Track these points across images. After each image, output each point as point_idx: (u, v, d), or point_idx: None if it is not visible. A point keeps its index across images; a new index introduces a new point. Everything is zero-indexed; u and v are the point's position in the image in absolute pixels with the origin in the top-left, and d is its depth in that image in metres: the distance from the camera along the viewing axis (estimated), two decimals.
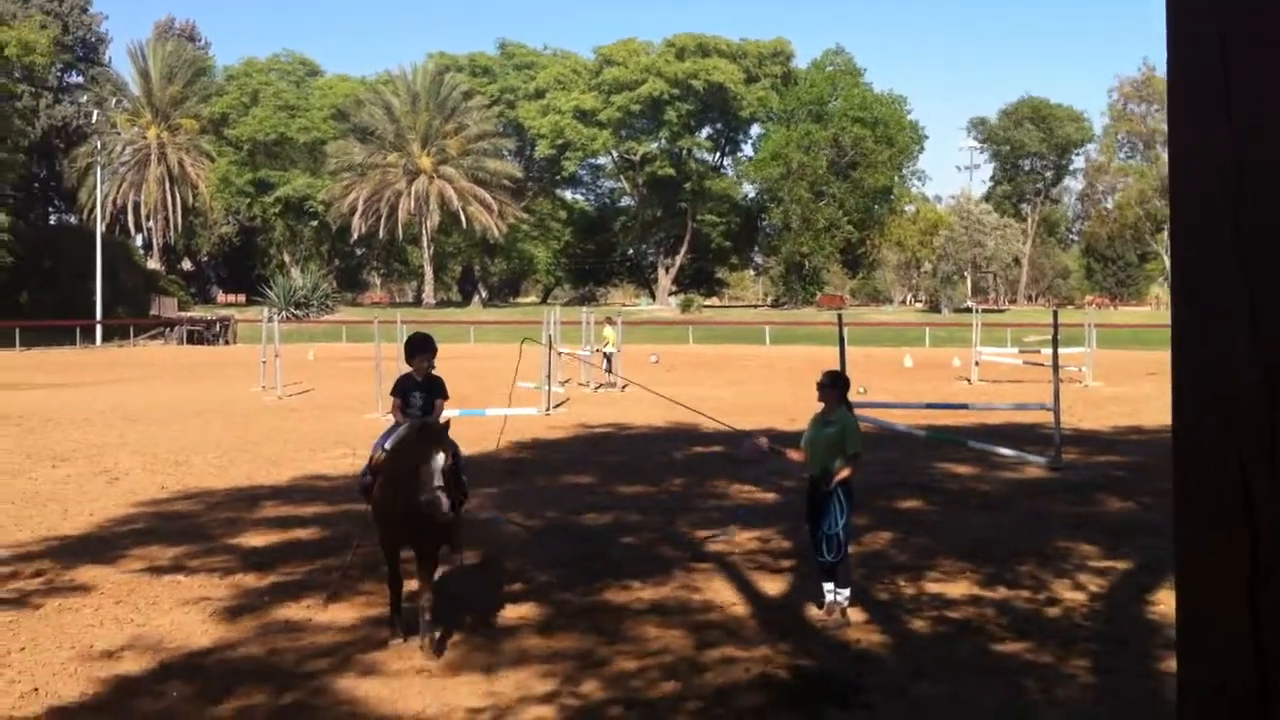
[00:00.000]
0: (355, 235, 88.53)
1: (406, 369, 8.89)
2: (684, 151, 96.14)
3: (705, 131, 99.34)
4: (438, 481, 7.37)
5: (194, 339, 64.80)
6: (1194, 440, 1.69)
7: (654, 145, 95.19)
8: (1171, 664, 7.42)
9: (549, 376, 25.10)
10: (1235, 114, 1.59)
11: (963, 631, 8.28)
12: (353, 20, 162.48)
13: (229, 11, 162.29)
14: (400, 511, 7.74)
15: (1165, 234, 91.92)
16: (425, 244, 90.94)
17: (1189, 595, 1.74)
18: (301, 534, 11.82)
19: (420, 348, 8.68)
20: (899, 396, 26.10)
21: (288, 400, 27.37)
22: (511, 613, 8.80)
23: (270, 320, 32.77)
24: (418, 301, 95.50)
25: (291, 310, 74.15)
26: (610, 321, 34.55)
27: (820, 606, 8.77)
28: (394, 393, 8.61)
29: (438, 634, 7.89)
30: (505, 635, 8.19)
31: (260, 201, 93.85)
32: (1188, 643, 1.74)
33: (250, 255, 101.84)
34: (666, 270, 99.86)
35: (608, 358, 31.98)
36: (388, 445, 8.24)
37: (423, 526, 7.72)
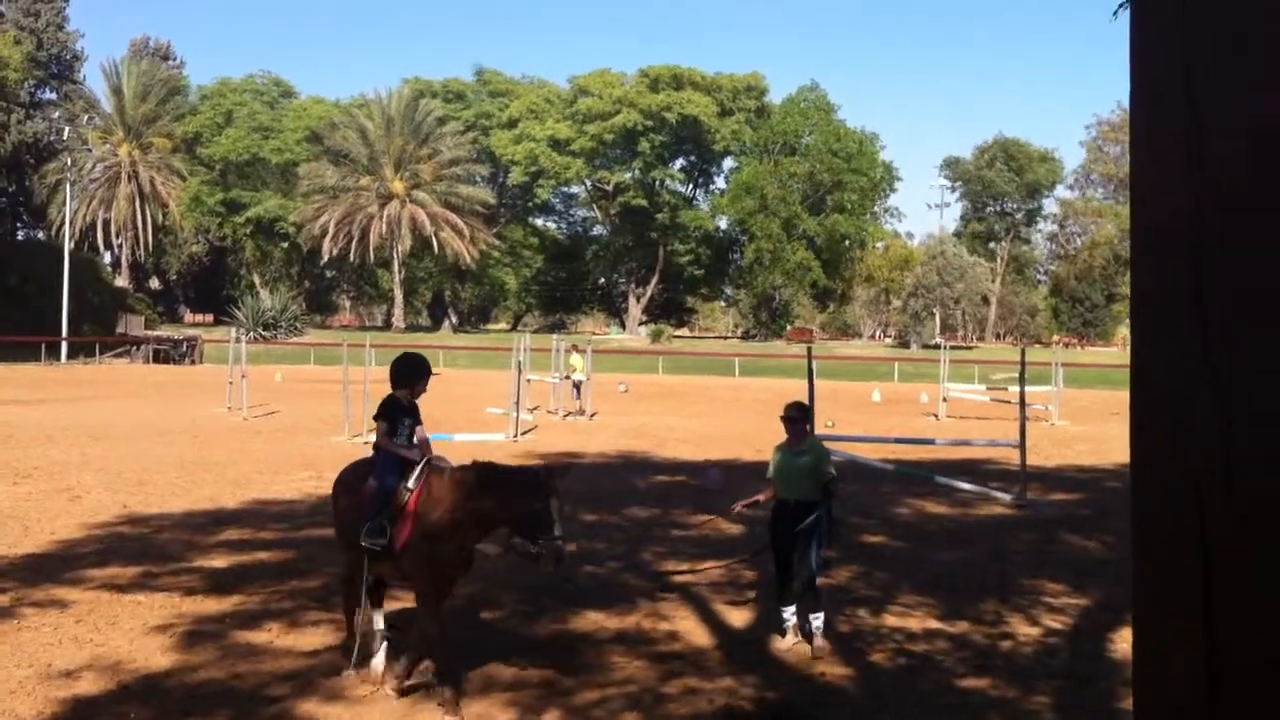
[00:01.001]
0: (326, 257, 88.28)
1: (393, 391, 7.96)
2: (656, 182, 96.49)
3: (679, 163, 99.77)
4: (558, 529, 6.94)
5: (160, 358, 64.24)
6: (1150, 470, 1.73)
7: (627, 175, 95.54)
8: (1131, 703, 7.47)
9: (517, 403, 25.09)
10: (1196, 154, 1.64)
11: (925, 666, 8.32)
12: (330, 43, 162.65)
13: (205, 31, 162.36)
14: (460, 555, 7.26)
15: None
16: (396, 268, 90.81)
17: (1146, 623, 1.77)
18: (264, 556, 11.73)
19: (419, 372, 8.03)
20: (867, 431, 26.19)
21: (253, 421, 27.20)
22: (474, 640, 8.75)
23: (238, 341, 32.59)
24: (387, 325, 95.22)
25: (259, 331, 73.72)
26: (578, 349, 34.54)
27: (782, 635, 8.82)
28: (381, 416, 7.68)
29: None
30: (469, 662, 8.15)
31: (231, 222, 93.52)
32: (1144, 669, 1.77)
33: (219, 275, 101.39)
34: (637, 300, 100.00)
35: (576, 386, 31.97)
36: (409, 483, 7.34)
37: (466, 571, 7.49)
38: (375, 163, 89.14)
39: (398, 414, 7.71)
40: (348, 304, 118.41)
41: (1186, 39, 1.65)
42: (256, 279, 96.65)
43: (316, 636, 8.75)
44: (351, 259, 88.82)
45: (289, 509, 14.89)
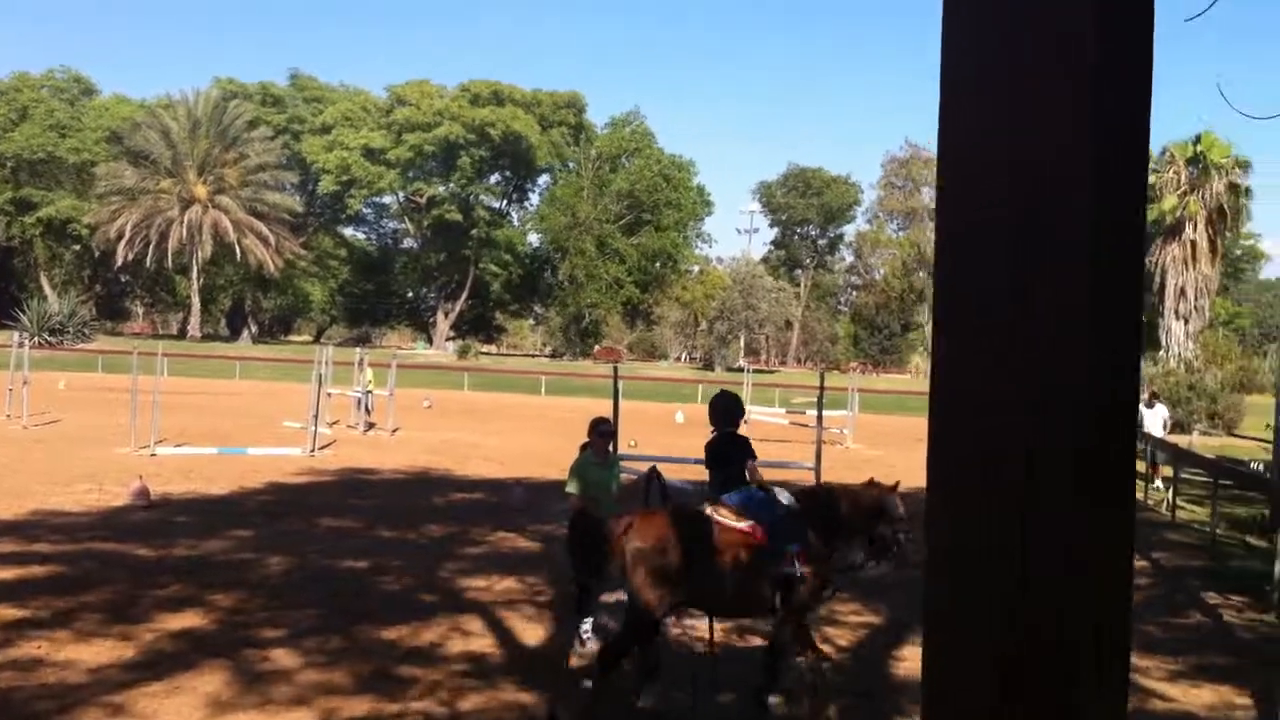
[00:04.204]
0: (120, 262, 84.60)
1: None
2: (472, 197, 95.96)
3: (494, 178, 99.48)
4: None
5: None
6: (949, 478, 1.76)
7: (443, 189, 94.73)
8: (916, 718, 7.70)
9: (316, 417, 24.49)
10: (998, 163, 1.67)
11: (724, 682, 8.41)
12: (141, 41, 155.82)
13: (5, 24, 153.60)
14: None
15: (926, 306, 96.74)
16: (195, 275, 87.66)
17: (935, 638, 1.79)
18: (39, 570, 11.14)
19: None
20: (669, 451, 26.43)
21: (34, 430, 25.82)
22: (268, 656, 8.49)
23: (20, 346, 30.91)
24: (182, 334, 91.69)
25: (44, 337, 70.10)
26: (367, 363, 33.82)
27: (582, 645, 8.86)
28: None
29: None
30: (264, 679, 7.90)
31: (20, 221, 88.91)
32: (932, 685, 1.80)
33: (5, 277, 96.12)
34: (445, 315, 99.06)
35: (360, 399, 31.25)
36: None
37: None
38: (178, 165, 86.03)
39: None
40: (141, 311, 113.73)
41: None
42: (45, 282, 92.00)
43: (91, 651, 8.36)
44: (148, 264, 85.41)
45: (69, 521, 14.20)
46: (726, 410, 8.54)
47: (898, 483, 8.29)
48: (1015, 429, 1.65)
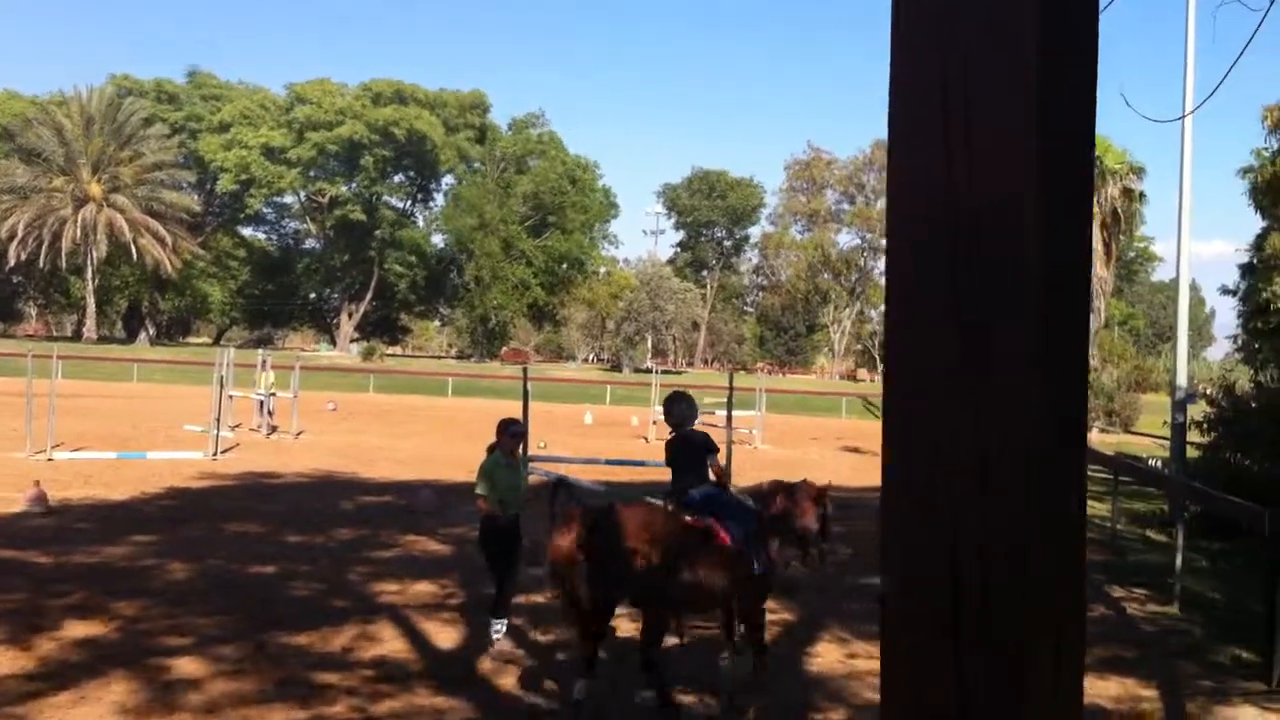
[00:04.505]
0: (12, 262, 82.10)
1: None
2: (375, 197, 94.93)
3: (398, 178, 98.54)
4: None
5: None
6: (903, 485, 1.78)
7: (345, 189, 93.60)
8: (830, 714, 7.80)
9: (218, 420, 24.06)
10: (955, 152, 1.69)
11: (632, 681, 8.43)
12: (33, 36, 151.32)
13: None
14: None
15: (831, 307, 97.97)
16: (90, 275, 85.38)
17: (891, 639, 1.81)
18: None
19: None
20: (578, 452, 26.45)
21: None
22: (176, 665, 8.31)
23: None
24: (77, 336, 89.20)
25: None
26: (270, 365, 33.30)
27: (492, 647, 8.88)
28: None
29: None
30: (173, 688, 7.74)
31: None
32: (891, 692, 1.81)
33: None
34: (349, 316, 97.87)
35: (261, 402, 30.72)
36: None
37: None
38: (71, 163, 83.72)
39: None
40: (35, 312, 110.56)
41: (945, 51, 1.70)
42: None
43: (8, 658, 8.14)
44: (41, 264, 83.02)
45: None
46: (681, 410, 8.58)
47: (829, 483, 8.67)
48: (967, 437, 1.67)
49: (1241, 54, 6.39)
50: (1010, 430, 1.64)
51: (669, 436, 8.61)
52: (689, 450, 8.32)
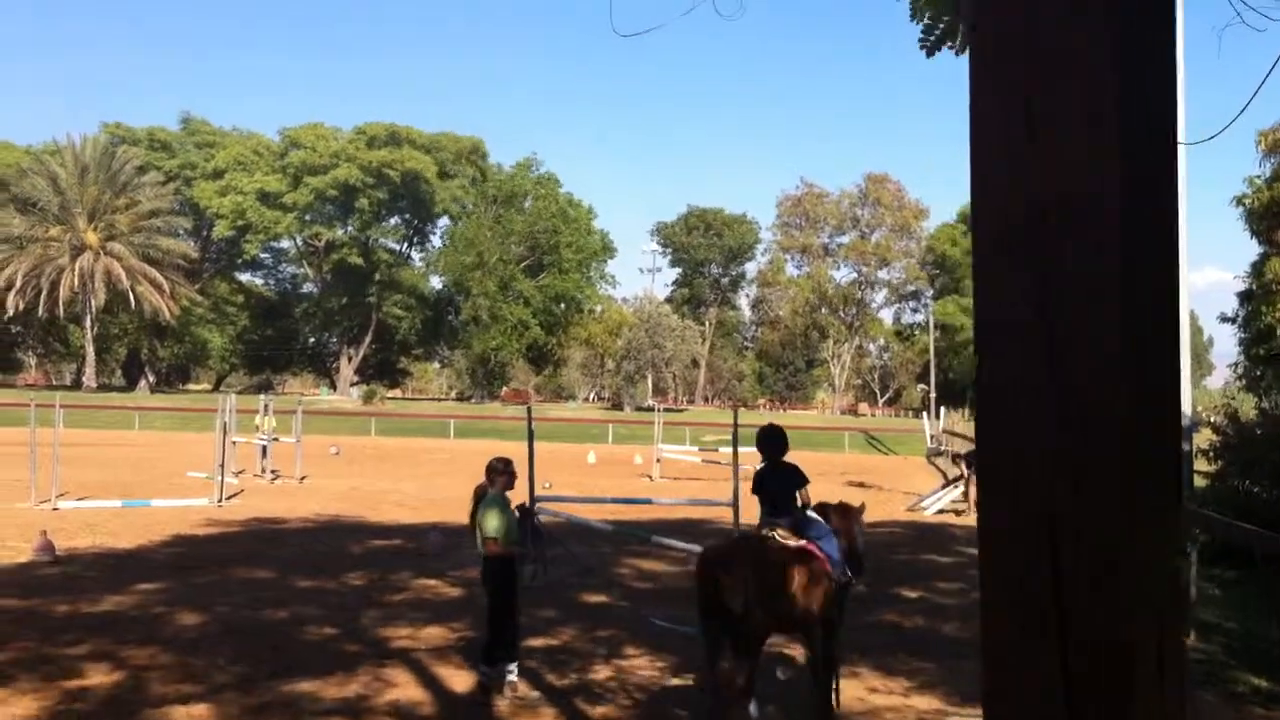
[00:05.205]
0: (10, 312, 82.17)
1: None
2: (372, 240, 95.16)
3: (393, 220, 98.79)
4: None
5: None
6: (999, 485, 1.78)
7: (342, 232, 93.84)
8: None
9: (222, 466, 24.02)
10: (1037, 156, 1.71)
11: (653, 718, 8.38)
12: (26, 87, 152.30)
13: None
14: None
15: (830, 342, 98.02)
16: (89, 324, 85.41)
17: (993, 658, 1.81)
18: None
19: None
20: (587, 491, 26.41)
21: None
22: (188, 713, 8.26)
23: None
24: (77, 385, 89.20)
25: None
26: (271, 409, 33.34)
27: (504, 690, 8.93)
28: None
29: None
30: None
31: None
32: (994, 694, 1.82)
33: None
34: (349, 360, 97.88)
35: (264, 447, 30.73)
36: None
37: None
38: (67, 212, 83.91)
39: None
40: (34, 361, 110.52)
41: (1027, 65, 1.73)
42: None
43: (5, 712, 8.12)
44: (39, 313, 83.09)
45: None
46: (774, 442, 8.97)
47: (863, 504, 9.29)
48: (1057, 437, 1.69)
49: (1268, 76, 6.39)
50: (1101, 429, 1.66)
51: (760, 466, 8.99)
52: (782, 479, 8.72)
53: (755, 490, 8.85)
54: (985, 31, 1.82)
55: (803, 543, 8.22)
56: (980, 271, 1.82)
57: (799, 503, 8.66)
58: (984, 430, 1.81)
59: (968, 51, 1.85)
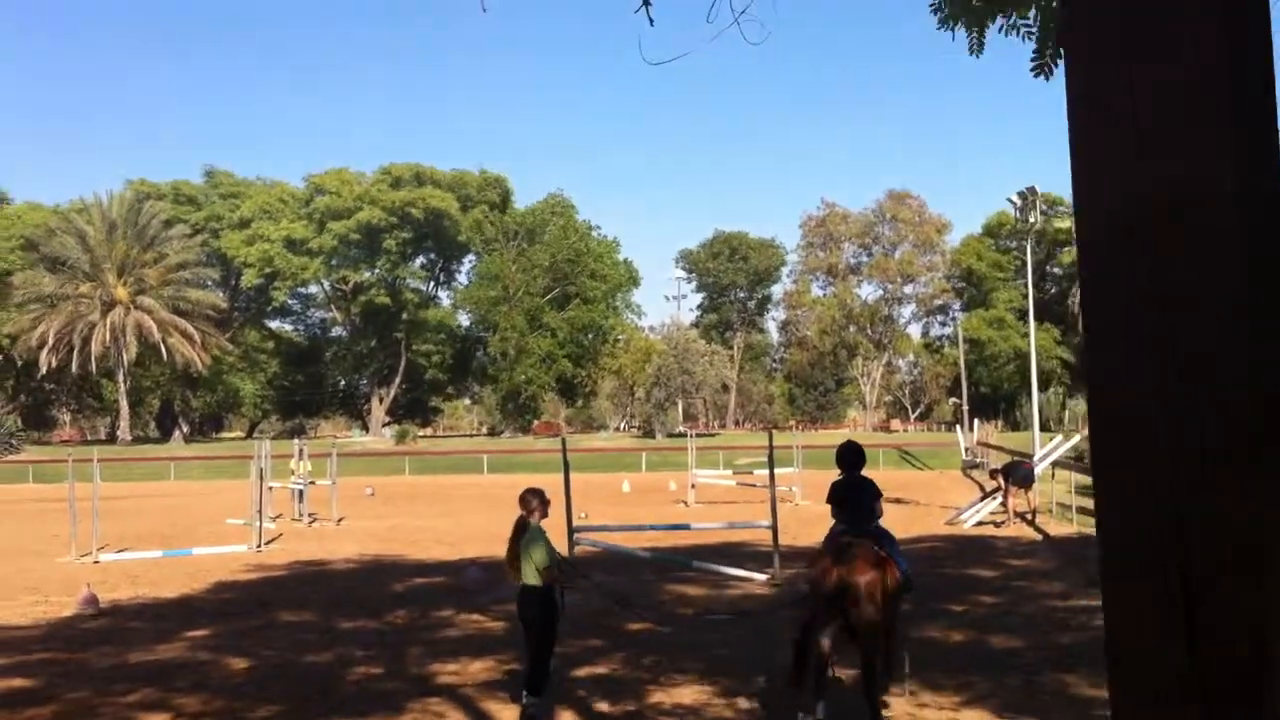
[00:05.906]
0: (44, 370, 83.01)
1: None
2: (398, 280, 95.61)
3: (419, 260, 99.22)
4: None
5: None
6: (1120, 485, 1.77)
7: (369, 274, 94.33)
8: None
9: (260, 512, 24.13)
10: (1143, 151, 1.71)
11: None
12: (50, 148, 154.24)
13: None
14: None
15: (859, 360, 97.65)
16: (121, 378, 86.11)
17: (1117, 649, 1.80)
18: None
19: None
20: (623, 520, 26.38)
21: None
22: None
23: None
24: (112, 438, 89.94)
25: None
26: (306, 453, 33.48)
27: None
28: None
29: None
30: None
31: None
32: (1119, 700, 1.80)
33: None
34: (380, 401, 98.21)
35: (299, 491, 30.79)
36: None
37: None
38: (96, 269, 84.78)
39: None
40: (69, 417, 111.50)
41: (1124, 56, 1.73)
42: None
43: None
44: (73, 369, 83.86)
45: (19, 635, 13.81)
46: (853, 456, 9.57)
47: None
48: (1180, 430, 1.68)
49: None
50: (1229, 423, 1.64)
51: (837, 478, 9.52)
52: (860, 492, 9.28)
53: (831, 499, 9.43)
54: (1081, 30, 1.82)
55: (882, 551, 8.77)
56: (1090, 273, 1.81)
57: (875, 514, 9.24)
58: (1100, 437, 1.79)
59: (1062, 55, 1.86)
